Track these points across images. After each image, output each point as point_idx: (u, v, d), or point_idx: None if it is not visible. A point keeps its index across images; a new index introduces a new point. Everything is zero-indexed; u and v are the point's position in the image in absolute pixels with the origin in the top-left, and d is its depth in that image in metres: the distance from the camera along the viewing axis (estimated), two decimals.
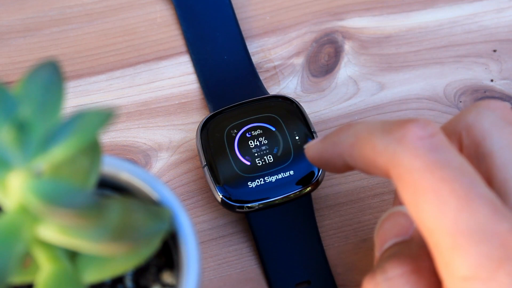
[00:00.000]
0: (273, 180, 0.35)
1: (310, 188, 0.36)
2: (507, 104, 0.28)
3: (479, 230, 0.24)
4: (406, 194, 0.25)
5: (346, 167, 0.29)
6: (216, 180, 0.35)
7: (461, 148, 0.28)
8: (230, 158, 0.36)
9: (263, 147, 0.36)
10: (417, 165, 0.25)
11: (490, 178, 0.27)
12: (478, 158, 0.28)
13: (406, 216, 0.29)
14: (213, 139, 0.36)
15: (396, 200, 0.31)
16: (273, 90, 0.40)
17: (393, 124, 0.26)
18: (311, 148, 0.30)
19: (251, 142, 0.36)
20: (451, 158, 0.25)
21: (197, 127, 0.37)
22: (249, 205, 0.35)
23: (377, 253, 0.29)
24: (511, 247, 0.24)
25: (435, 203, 0.24)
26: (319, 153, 0.30)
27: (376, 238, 0.29)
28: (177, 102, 0.40)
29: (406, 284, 0.26)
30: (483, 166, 0.27)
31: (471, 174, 0.25)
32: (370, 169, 0.27)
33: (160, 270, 0.27)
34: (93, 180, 0.25)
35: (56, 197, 0.21)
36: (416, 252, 0.27)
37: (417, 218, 0.25)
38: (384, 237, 0.29)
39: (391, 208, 0.30)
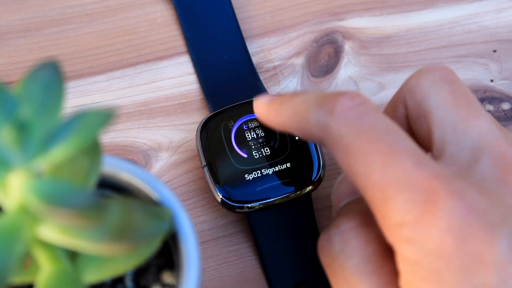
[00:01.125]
0: (273, 180, 0.35)
1: (310, 188, 0.36)
2: (447, 67, 0.31)
3: (404, 179, 0.26)
4: (340, 159, 0.28)
5: (288, 132, 0.32)
6: (216, 181, 0.35)
7: (406, 111, 0.31)
8: (230, 158, 0.36)
9: (263, 147, 0.36)
10: (345, 132, 0.28)
11: (430, 135, 0.29)
12: (420, 118, 0.30)
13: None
14: (213, 139, 0.36)
15: None
16: (273, 90, 0.40)
17: (326, 97, 0.29)
18: (258, 107, 0.32)
19: (251, 143, 0.36)
20: (376, 121, 0.27)
21: (197, 127, 0.37)
22: (249, 205, 0.35)
23: (334, 213, 0.31)
24: (434, 191, 0.26)
25: (363, 162, 0.27)
26: (263, 115, 0.32)
27: (333, 200, 0.31)
28: (177, 102, 0.40)
29: (355, 237, 0.28)
30: (424, 124, 0.30)
31: (395, 132, 0.27)
32: (307, 139, 0.31)
33: (160, 270, 0.27)
34: (93, 180, 0.25)
35: (56, 197, 0.21)
36: (365, 208, 0.29)
37: (352, 179, 0.27)
38: (339, 197, 0.31)
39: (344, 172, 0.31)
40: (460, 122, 0.28)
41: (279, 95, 0.32)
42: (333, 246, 0.29)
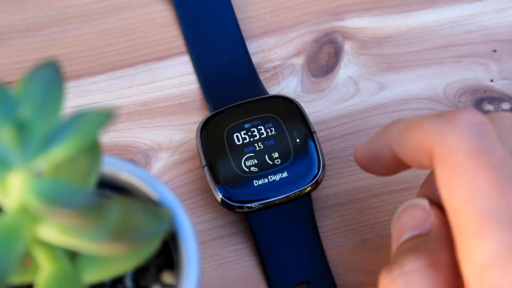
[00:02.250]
0: (273, 180, 0.35)
1: (310, 188, 0.36)
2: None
3: (506, 219, 0.24)
4: (443, 173, 0.26)
5: (393, 161, 0.29)
6: (216, 180, 0.35)
7: None
8: (230, 158, 0.36)
9: (263, 147, 0.36)
10: (461, 147, 0.25)
11: None
12: None
13: (424, 209, 0.29)
14: (213, 139, 0.36)
15: (421, 192, 0.31)
16: (273, 90, 0.40)
17: (445, 111, 0.27)
18: (360, 146, 0.31)
19: (251, 142, 0.36)
20: (495, 148, 0.26)
21: (197, 127, 0.37)
22: (249, 205, 0.35)
23: (394, 245, 0.29)
24: None
25: (469, 186, 0.25)
26: (368, 148, 0.30)
27: (393, 231, 0.29)
28: (177, 102, 0.40)
29: (423, 279, 0.26)
30: None
31: (510, 167, 0.25)
32: (415, 154, 0.28)
33: (160, 270, 0.27)
34: (93, 180, 0.25)
35: (56, 197, 0.21)
36: (433, 246, 0.27)
37: (447, 198, 0.25)
38: (401, 230, 0.29)
39: (408, 201, 0.30)
40: None
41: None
42: (397, 287, 0.27)
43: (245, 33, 0.42)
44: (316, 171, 0.36)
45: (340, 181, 0.38)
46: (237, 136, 0.36)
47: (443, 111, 0.27)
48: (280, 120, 0.37)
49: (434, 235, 0.28)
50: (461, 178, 0.25)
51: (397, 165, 0.29)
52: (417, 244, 0.28)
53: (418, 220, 0.29)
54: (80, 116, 0.22)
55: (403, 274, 0.27)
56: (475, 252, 0.24)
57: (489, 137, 0.26)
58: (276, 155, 0.36)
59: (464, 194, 0.25)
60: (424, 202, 0.29)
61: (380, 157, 0.30)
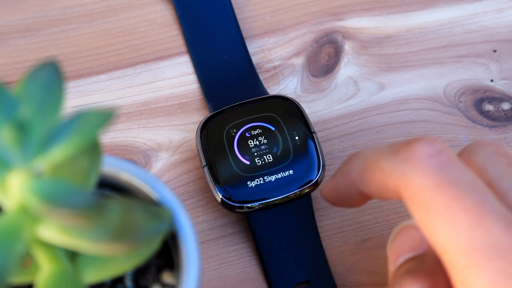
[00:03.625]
0: (273, 179, 0.35)
1: (310, 188, 0.36)
2: (496, 142, 0.28)
3: (494, 246, 0.24)
4: (418, 213, 0.25)
5: (361, 196, 0.29)
6: (216, 180, 0.35)
7: None
8: (230, 158, 0.36)
9: (263, 147, 0.36)
10: (427, 183, 0.25)
11: None
12: None
13: (420, 229, 0.28)
14: (213, 139, 0.36)
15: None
16: (273, 90, 0.40)
17: (400, 145, 0.26)
18: (325, 188, 0.30)
19: (250, 142, 0.36)
20: (461, 175, 0.25)
21: (197, 127, 0.37)
22: (249, 205, 0.35)
23: (391, 267, 0.29)
24: None
25: (447, 221, 0.24)
26: (333, 188, 0.30)
27: (390, 252, 0.29)
28: (177, 102, 0.40)
29: None
30: None
31: (482, 189, 0.25)
32: (382, 193, 0.27)
33: (160, 270, 0.27)
34: (93, 180, 0.25)
35: (56, 197, 0.21)
36: (431, 268, 0.27)
37: (430, 237, 0.25)
38: (398, 251, 0.29)
39: (404, 221, 0.30)
40: None
41: (339, 167, 0.29)
42: None
43: (245, 33, 0.42)
44: (316, 171, 0.36)
45: None
46: (237, 136, 0.36)
47: (397, 143, 0.27)
48: (280, 120, 0.37)
49: (432, 256, 0.28)
50: (437, 216, 0.25)
51: (366, 197, 0.29)
52: (415, 266, 0.27)
53: (414, 241, 0.28)
54: (80, 116, 0.22)
55: None
56: (471, 283, 0.24)
57: (452, 164, 0.25)
58: (276, 155, 0.36)
59: (445, 231, 0.24)
60: None
61: (347, 195, 0.29)
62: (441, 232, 0.24)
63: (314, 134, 0.37)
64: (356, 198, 0.29)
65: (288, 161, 0.36)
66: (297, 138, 0.36)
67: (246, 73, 0.40)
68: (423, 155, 0.25)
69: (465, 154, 0.28)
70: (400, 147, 0.26)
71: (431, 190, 0.25)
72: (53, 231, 0.22)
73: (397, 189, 0.26)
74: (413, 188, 0.25)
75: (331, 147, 0.39)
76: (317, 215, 0.37)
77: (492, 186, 0.27)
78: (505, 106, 0.40)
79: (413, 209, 0.25)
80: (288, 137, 0.36)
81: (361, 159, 0.28)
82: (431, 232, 0.25)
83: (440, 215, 0.24)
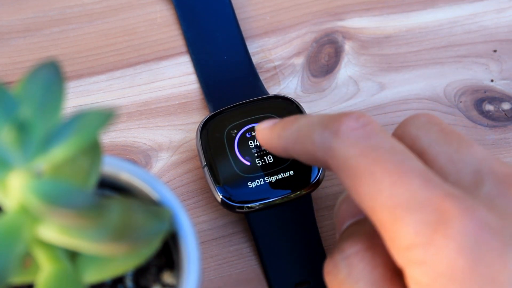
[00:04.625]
0: (273, 180, 0.35)
1: (310, 188, 0.36)
2: (431, 114, 0.30)
3: (414, 200, 0.25)
4: (346, 181, 0.27)
5: (291, 157, 0.31)
6: (216, 180, 0.35)
7: None
8: (230, 158, 0.36)
9: (263, 147, 0.36)
10: (351, 152, 0.27)
11: None
12: None
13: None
14: (213, 139, 0.36)
15: None
16: (273, 90, 0.40)
17: (330, 118, 0.28)
18: (261, 133, 0.32)
19: (251, 142, 0.36)
20: (382, 142, 0.27)
21: (197, 127, 0.37)
22: (249, 205, 0.35)
23: (337, 234, 0.30)
24: (444, 211, 0.25)
25: (371, 183, 0.26)
26: (266, 140, 0.32)
27: (335, 219, 0.31)
28: (177, 102, 0.40)
29: (362, 261, 0.28)
30: None
31: (402, 151, 0.27)
32: (312, 163, 0.30)
33: (160, 270, 0.27)
34: (93, 180, 0.25)
35: (56, 197, 0.21)
36: (370, 230, 0.28)
37: (359, 201, 0.27)
38: (342, 218, 0.30)
39: (346, 191, 0.31)
40: (455, 153, 0.28)
41: (281, 120, 0.32)
42: (339, 271, 0.28)
43: (245, 33, 0.42)
44: (317, 171, 0.36)
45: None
46: (237, 136, 0.36)
47: (328, 116, 0.29)
48: None
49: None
50: (361, 179, 0.26)
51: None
52: (356, 229, 0.29)
53: (356, 208, 0.30)
54: (80, 116, 0.22)
55: (344, 258, 0.28)
56: (397, 238, 0.25)
57: (375, 134, 0.27)
58: (277, 159, 0.36)
59: (368, 192, 0.26)
60: None
61: (277, 152, 0.32)
62: (366, 194, 0.26)
63: None
64: (287, 157, 0.32)
65: (288, 162, 0.36)
66: None
67: (246, 73, 0.40)
68: (349, 128, 0.28)
69: (401, 126, 0.30)
70: (330, 121, 0.28)
71: (354, 158, 0.27)
72: (53, 231, 0.22)
73: (326, 160, 0.28)
74: (339, 158, 0.27)
75: None
76: (317, 215, 0.37)
77: (424, 152, 0.29)
78: (505, 106, 0.40)
79: (341, 178, 0.27)
80: None
81: (296, 128, 0.30)
82: (359, 196, 0.27)
83: (363, 179, 0.26)
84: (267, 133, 0.32)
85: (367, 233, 0.28)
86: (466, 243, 0.24)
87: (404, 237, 0.25)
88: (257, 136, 0.33)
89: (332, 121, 0.28)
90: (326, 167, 0.29)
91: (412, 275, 0.26)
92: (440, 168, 0.28)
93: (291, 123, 0.30)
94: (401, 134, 0.30)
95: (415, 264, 0.25)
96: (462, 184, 0.27)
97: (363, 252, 0.28)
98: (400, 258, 0.26)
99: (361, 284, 0.27)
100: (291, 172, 0.36)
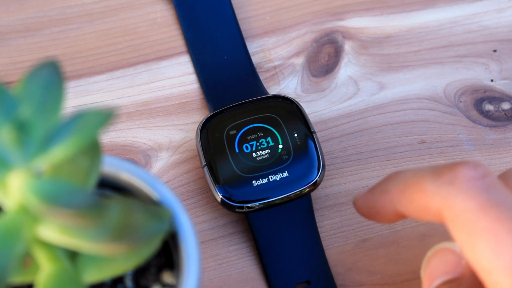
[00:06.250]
0: (273, 179, 0.35)
1: (310, 188, 0.36)
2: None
3: None
4: (461, 235, 0.25)
5: (397, 216, 0.29)
6: (216, 180, 0.35)
7: None
8: (230, 158, 0.36)
9: (263, 147, 0.36)
10: (471, 206, 0.25)
11: None
12: None
13: (454, 252, 0.28)
14: (213, 139, 0.36)
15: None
16: (273, 90, 0.40)
17: (443, 167, 0.26)
18: (359, 200, 0.30)
19: (250, 142, 0.36)
20: (504, 198, 0.25)
21: (197, 127, 0.37)
22: (249, 205, 0.35)
23: None
24: None
25: (492, 243, 0.24)
26: (368, 204, 0.29)
27: (424, 275, 0.29)
28: (177, 102, 0.40)
29: None
30: None
31: None
32: (422, 215, 0.27)
33: (160, 270, 0.27)
34: (93, 180, 0.25)
35: (56, 197, 0.21)
36: None
37: (473, 259, 0.25)
38: (433, 274, 0.29)
39: (438, 244, 0.29)
40: None
41: (377, 183, 0.29)
42: None
43: (245, 33, 0.42)
44: (316, 171, 0.36)
45: (340, 181, 0.38)
46: (237, 136, 0.36)
47: (441, 166, 0.27)
48: (280, 120, 0.37)
49: (467, 279, 0.28)
50: (481, 237, 0.25)
51: (402, 217, 0.29)
52: None
53: (449, 264, 0.28)
54: (80, 116, 0.22)
55: None
56: None
57: (496, 188, 0.25)
58: (276, 155, 0.36)
59: (489, 252, 0.24)
60: (454, 246, 0.28)
61: (381, 212, 0.29)
62: (485, 254, 0.24)
63: (314, 134, 0.37)
64: (391, 216, 0.29)
65: (288, 161, 0.36)
66: (297, 138, 0.36)
67: (246, 73, 0.40)
68: (467, 178, 0.25)
69: (505, 177, 0.28)
70: (443, 169, 0.26)
71: (475, 212, 0.25)
72: (53, 231, 0.22)
73: (439, 211, 0.26)
74: (456, 210, 0.25)
75: (331, 147, 0.39)
76: (317, 215, 0.37)
77: None
78: (505, 106, 0.40)
79: (455, 231, 0.25)
80: (288, 137, 0.36)
81: (402, 179, 0.28)
82: (474, 254, 0.25)
83: (484, 237, 0.24)
84: (368, 195, 0.29)
85: None
86: None
87: None
88: (355, 206, 0.30)
89: (447, 169, 0.26)
90: (438, 220, 0.26)
91: None
92: None
93: (395, 175, 0.28)
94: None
95: None
96: None
97: None
98: None
99: None
100: (291, 172, 0.36)
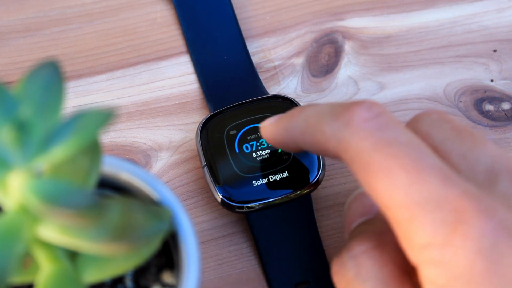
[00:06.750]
0: (273, 179, 0.35)
1: (310, 188, 0.36)
2: (441, 111, 0.29)
3: (431, 198, 0.24)
4: (359, 175, 0.26)
5: (300, 149, 0.30)
6: (216, 180, 0.35)
7: None
8: (230, 158, 0.36)
9: (263, 147, 0.36)
10: (365, 146, 0.26)
11: None
12: None
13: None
14: (213, 139, 0.36)
15: None
16: (273, 90, 0.40)
17: (340, 108, 0.27)
18: (266, 129, 0.31)
19: (251, 142, 0.36)
20: (398, 135, 0.26)
21: (197, 127, 0.37)
22: (249, 205, 0.35)
23: (346, 234, 0.30)
24: (463, 211, 0.24)
25: (386, 179, 0.25)
26: (273, 135, 0.31)
27: (345, 219, 0.30)
28: (177, 102, 0.40)
29: (370, 259, 0.27)
30: None
31: (419, 147, 0.26)
32: (322, 154, 0.29)
33: (160, 270, 0.27)
34: (93, 180, 0.25)
35: (56, 197, 0.21)
36: (379, 228, 0.28)
37: (374, 197, 0.26)
38: (351, 218, 0.30)
39: (357, 190, 0.30)
40: (468, 151, 0.27)
41: (286, 112, 0.30)
42: (347, 270, 0.28)
43: (245, 33, 0.42)
44: (316, 171, 0.36)
45: (340, 181, 0.38)
46: (237, 136, 0.36)
47: (338, 106, 0.28)
48: None
49: (381, 218, 0.28)
50: (376, 175, 0.25)
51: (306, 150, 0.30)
52: (364, 228, 0.29)
53: (366, 206, 0.29)
54: (80, 116, 0.22)
55: (351, 257, 0.28)
56: (413, 236, 0.25)
57: (389, 126, 0.26)
58: (276, 155, 0.36)
59: (385, 188, 0.25)
60: None
61: (286, 146, 0.31)
62: (382, 190, 0.25)
63: None
64: (295, 149, 0.31)
65: (288, 161, 0.36)
66: None
67: (246, 73, 0.40)
68: (361, 119, 0.26)
69: (411, 123, 0.29)
70: (340, 111, 0.27)
71: (368, 152, 0.26)
72: (53, 231, 0.22)
73: (337, 152, 0.27)
74: (351, 152, 0.26)
75: None
76: (317, 215, 0.37)
77: (436, 149, 0.27)
78: (505, 106, 0.40)
79: (354, 172, 0.26)
80: None
81: (303, 119, 0.29)
82: (373, 191, 0.26)
83: (379, 174, 0.25)
84: (273, 128, 0.31)
85: (376, 231, 0.28)
86: (484, 244, 0.24)
87: (420, 236, 0.24)
88: (262, 134, 0.32)
89: (343, 111, 0.27)
90: (338, 159, 0.28)
91: (427, 274, 0.25)
92: (452, 166, 0.27)
93: (298, 113, 0.29)
94: (411, 131, 0.28)
95: (431, 264, 0.25)
96: (476, 182, 0.26)
97: (371, 250, 0.27)
98: (415, 257, 0.25)
99: (370, 283, 0.27)
100: (291, 172, 0.36)
